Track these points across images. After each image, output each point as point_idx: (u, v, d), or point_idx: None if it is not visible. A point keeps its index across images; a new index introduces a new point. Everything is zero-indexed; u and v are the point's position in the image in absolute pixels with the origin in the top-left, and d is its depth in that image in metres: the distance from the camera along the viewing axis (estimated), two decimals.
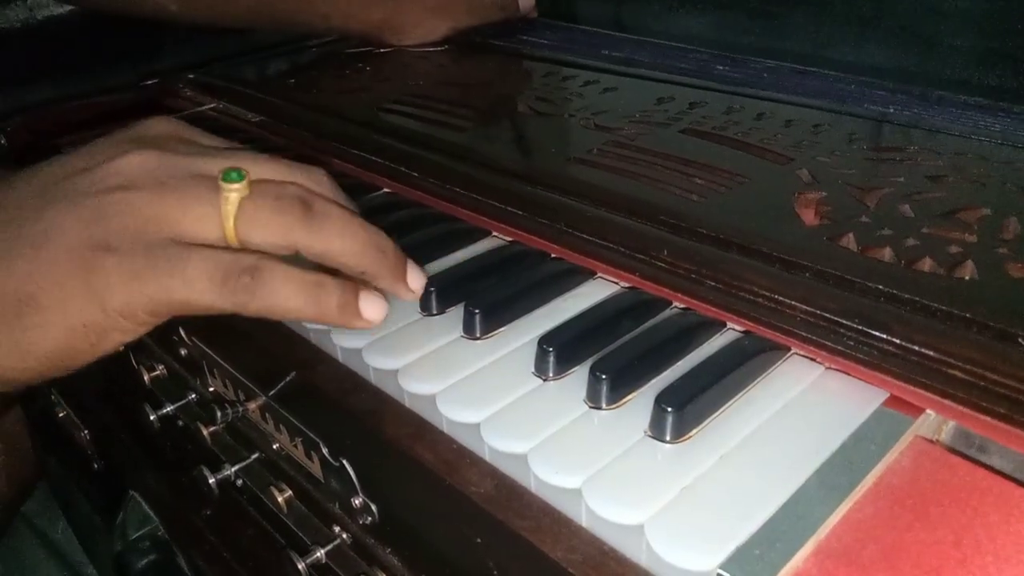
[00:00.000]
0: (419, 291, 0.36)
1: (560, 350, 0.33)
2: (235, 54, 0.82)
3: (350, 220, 0.33)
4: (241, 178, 0.31)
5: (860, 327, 0.32)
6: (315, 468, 0.41)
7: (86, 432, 0.69)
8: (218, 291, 0.31)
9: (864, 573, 0.24)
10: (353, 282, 0.33)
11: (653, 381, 0.33)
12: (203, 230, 0.32)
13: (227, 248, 0.32)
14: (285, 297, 0.32)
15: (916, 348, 0.30)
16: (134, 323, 0.31)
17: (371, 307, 0.34)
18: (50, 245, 0.31)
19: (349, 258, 0.33)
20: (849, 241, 0.36)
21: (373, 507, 0.37)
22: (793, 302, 0.34)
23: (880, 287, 0.33)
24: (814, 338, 0.33)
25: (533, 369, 0.34)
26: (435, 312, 0.39)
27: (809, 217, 0.39)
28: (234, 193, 0.31)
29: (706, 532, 0.26)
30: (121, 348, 0.33)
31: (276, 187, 0.33)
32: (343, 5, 0.72)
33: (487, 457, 0.31)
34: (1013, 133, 0.47)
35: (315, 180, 0.35)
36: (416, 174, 0.49)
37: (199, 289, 0.31)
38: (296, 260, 0.33)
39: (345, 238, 0.33)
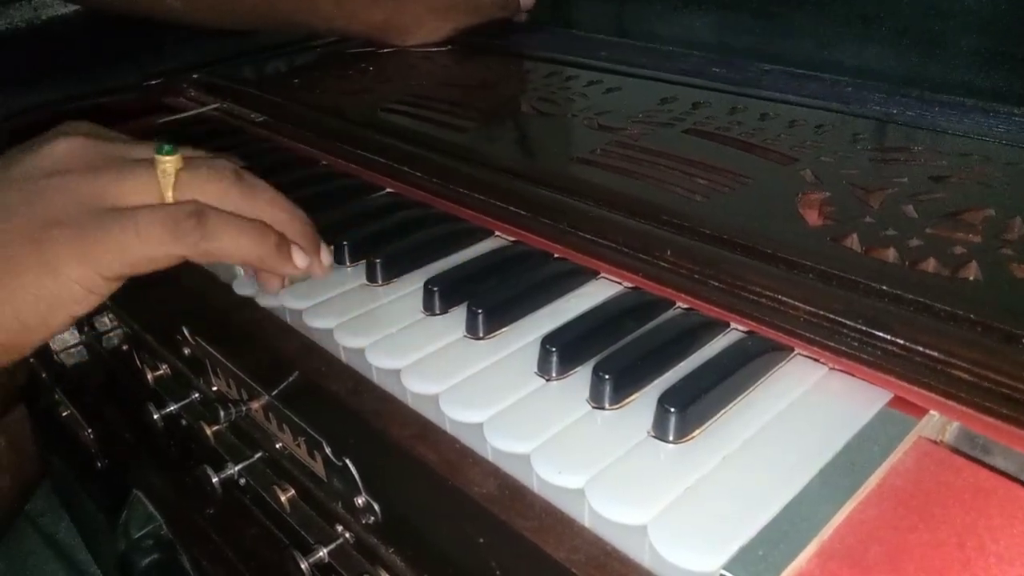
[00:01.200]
0: (328, 268, 0.40)
1: (563, 350, 0.33)
2: (238, 54, 0.82)
3: (276, 192, 0.37)
4: (174, 151, 0.34)
5: (864, 328, 0.32)
6: (318, 467, 0.41)
7: (90, 431, 0.69)
8: (170, 237, 0.33)
9: (867, 574, 0.24)
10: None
11: (656, 381, 0.33)
12: (143, 200, 0.34)
13: (168, 203, 0.34)
14: (231, 236, 0.34)
15: (920, 349, 0.30)
16: (88, 289, 0.33)
17: (299, 255, 0.38)
18: None
19: (278, 224, 0.37)
20: (853, 242, 0.36)
21: (376, 506, 0.37)
22: (796, 302, 0.34)
23: (884, 288, 0.33)
24: (817, 339, 0.32)
25: (536, 369, 0.34)
26: (438, 312, 0.39)
27: (813, 218, 0.39)
28: (169, 164, 0.34)
29: (709, 532, 0.26)
30: (74, 322, 0.34)
31: (207, 159, 0.36)
32: (346, 6, 0.72)
33: (490, 457, 0.31)
34: (1017, 134, 0.47)
35: (232, 160, 0.38)
36: (419, 174, 0.49)
37: (153, 239, 0.33)
38: None
39: (275, 206, 0.37)
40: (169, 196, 0.34)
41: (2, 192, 0.33)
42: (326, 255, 0.40)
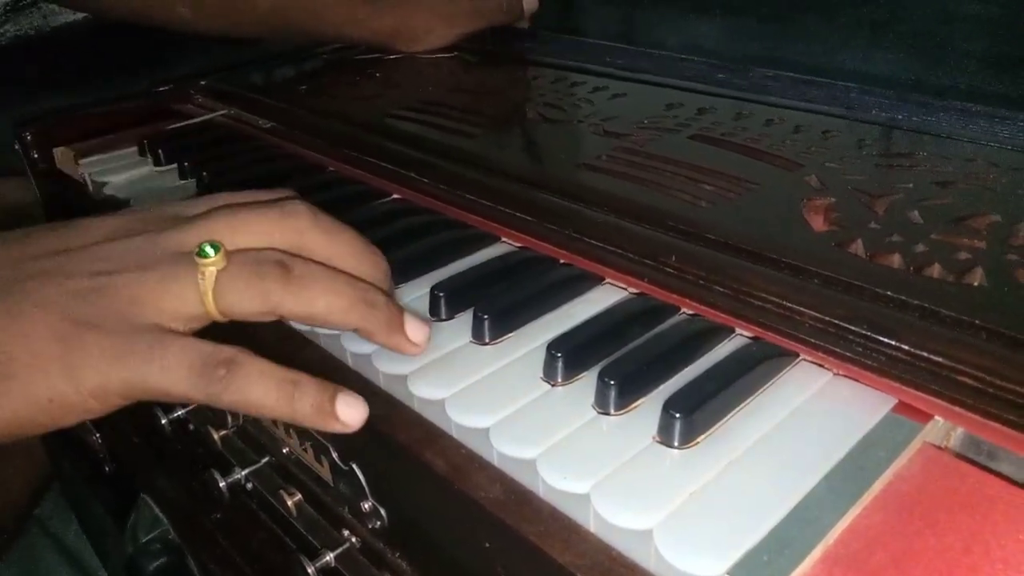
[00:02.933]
0: (423, 344, 0.35)
1: (568, 356, 0.34)
2: (246, 61, 0.83)
3: (333, 278, 0.33)
4: (216, 251, 0.32)
5: (869, 333, 0.32)
6: (325, 472, 0.41)
7: (98, 435, 0.69)
8: (193, 382, 0.31)
9: None
10: (332, 384, 0.33)
11: (661, 387, 0.33)
12: (184, 307, 0.32)
13: (207, 341, 0.32)
14: (258, 394, 0.31)
15: (925, 355, 0.30)
16: (102, 403, 0.31)
17: (349, 409, 0.32)
18: (28, 316, 0.31)
19: (336, 316, 0.33)
20: (858, 247, 0.36)
21: (382, 511, 0.37)
22: (802, 308, 0.34)
23: (889, 293, 0.33)
24: (823, 344, 0.33)
25: (542, 375, 0.34)
26: (444, 317, 0.39)
27: (818, 223, 0.39)
28: (210, 267, 0.32)
29: (715, 538, 0.26)
30: (77, 423, 0.33)
31: (253, 254, 0.33)
32: (354, 13, 0.73)
33: (496, 462, 0.31)
34: (1022, 139, 0.47)
35: (289, 217, 0.34)
36: (426, 180, 0.50)
37: (174, 378, 0.31)
38: None
39: (329, 297, 0.33)
40: (209, 302, 0.32)
41: (43, 282, 0.32)
42: (414, 329, 0.35)
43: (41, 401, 0.31)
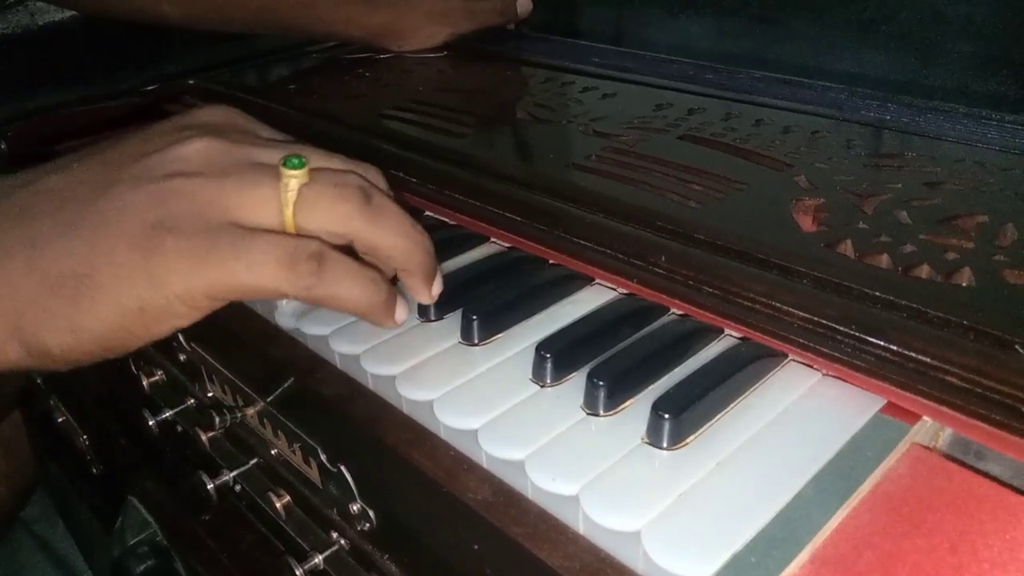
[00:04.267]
0: (436, 297, 0.37)
1: (557, 356, 0.33)
2: (236, 60, 0.83)
3: (405, 217, 0.34)
4: (302, 165, 0.32)
5: (857, 334, 0.32)
6: (313, 474, 0.41)
7: (85, 437, 0.69)
8: (284, 275, 0.31)
9: None
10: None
11: (650, 388, 0.33)
12: (262, 215, 0.32)
13: (288, 233, 0.32)
14: (347, 287, 0.32)
15: (913, 355, 0.30)
16: (191, 307, 0.31)
17: (402, 310, 0.35)
18: (110, 226, 0.31)
19: (399, 254, 0.34)
20: (847, 248, 0.37)
21: (371, 513, 0.37)
22: (790, 308, 0.34)
23: (877, 294, 0.33)
24: (811, 345, 0.33)
25: (531, 375, 0.34)
26: (433, 318, 0.39)
27: (807, 224, 0.39)
28: (294, 179, 0.32)
29: (703, 539, 0.26)
30: (175, 332, 0.33)
31: (336, 175, 0.33)
32: (344, 10, 0.73)
33: (484, 464, 0.31)
34: (1011, 140, 0.47)
35: (372, 176, 0.35)
36: (415, 180, 0.50)
37: (265, 273, 0.31)
38: None
39: (399, 235, 0.34)
40: (288, 214, 0.32)
41: (123, 188, 0.31)
42: (438, 285, 0.37)
43: (132, 309, 0.30)
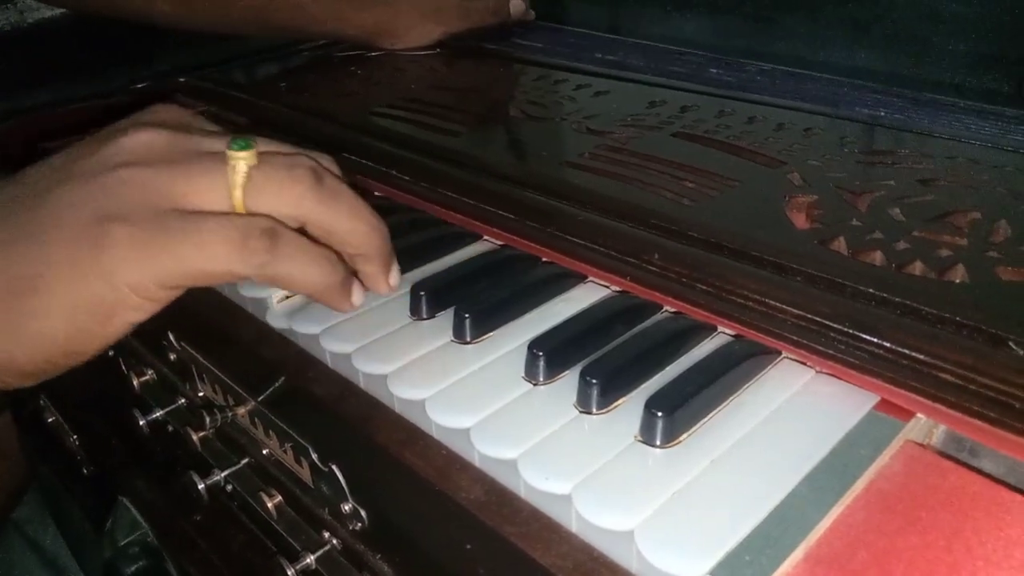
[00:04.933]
0: (395, 287, 0.37)
1: (550, 355, 0.33)
2: (227, 58, 0.82)
3: (359, 200, 0.34)
4: (249, 146, 0.31)
5: (851, 331, 0.32)
6: (305, 473, 0.40)
7: (75, 438, 0.68)
8: (236, 255, 0.30)
9: None
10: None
11: (643, 386, 0.33)
12: (211, 200, 0.31)
13: (238, 214, 0.31)
14: (301, 265, 0.31)
15: (907, 352, 0.30)
16: (145, 298, 0.31)
17: (358, 293, 0.35)
18: (55, 224, 0.30)
19: (355, 237, 0.33)
20: (840, 245, 0.36)
21: (363, 513, 0.37)
22: (784, 306, 0.34)
23: (871, 291, 0.33)
24: (805, 342, 0.32)
25: (523, 374, 0.34)
26: (425, 316, 0.38)
27: (800, 221, 0.39)
28: (242, 161, 0.31)
29: (696, 538, 0.26)
30: (132, 328, 0.32)
31: (286, 158, 0.33)
32: (336, 9, 0.72)
33: (477, 463, 0.31)
34: (1004, 137, 0.47)
35: (324, 162, 0.35)
36: (407, 178, 0.49)
37: (216, 254, 0.30)
38: None
39: (355, 217, 0.33)
40: (238, 197, 0.31)
41: (71, 185, 0.31)
42: (395, 275, 0.37)
43: (84, 307, 0.30)
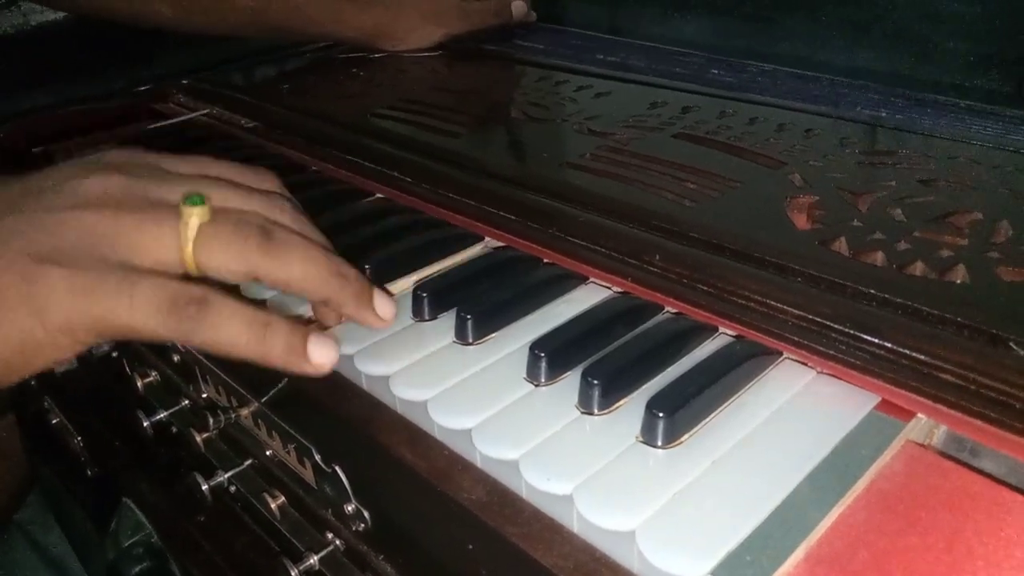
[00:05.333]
0: (389, 319, 0.36)
1: (552, 356, 0.33)
2: (228, 59, 0.82)
3: (310, 247, 0.33)
4: (202, 202, 0.31)
5: (852, 331, 0.32)
6: (308, 474, 0.40)
7: (79, 439, 0.69)
8: (163, 319, 0.30)
9: None
10: (305, 324, 0.33)
11: (645, 386, 0.33)
12: (159, 253, 0.31)
13: (178, 277, 0.31)
14: (229, 333, 0.31)
15: (908, 352, 0.30)
16: (72, 340, 0.31)
17: (320, 351, 0.32)
18: None
19: (309, 285, 0.33)
20: (841, 245, 0.36)
21: (366, 513, 0.37)
22: (785, 306, 0.34)
23: (872, 291, 0.33)
24: (806, 342, 0.32)
25: (525, 375, 0.34)
26: (427, 318, 0.39)
27: (801, 221, 0.39)
28: (194, 217, 0.31)
29: (697, 538, 0.26)
30: (53, 366, 0.32)
31: (237, 213, 0.33)
32: (336, 11, 0.72)
33: (479, 463, 0.31)
34: (1005, 137, 0.47)
35: (275, 204, 0.35)
36: (409, 179, 0.49)
37: (143, 315, 0.30)
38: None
39: (306, 265, 0.33)
40: (188, 252, 0.31)
41: (19, 218, 0.31)
42: (382, 304, 0.35)
43: (10, 341, 0.30)
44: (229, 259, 0.32)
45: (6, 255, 0.30)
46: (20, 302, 0.30)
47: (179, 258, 0.31)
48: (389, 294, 0.36)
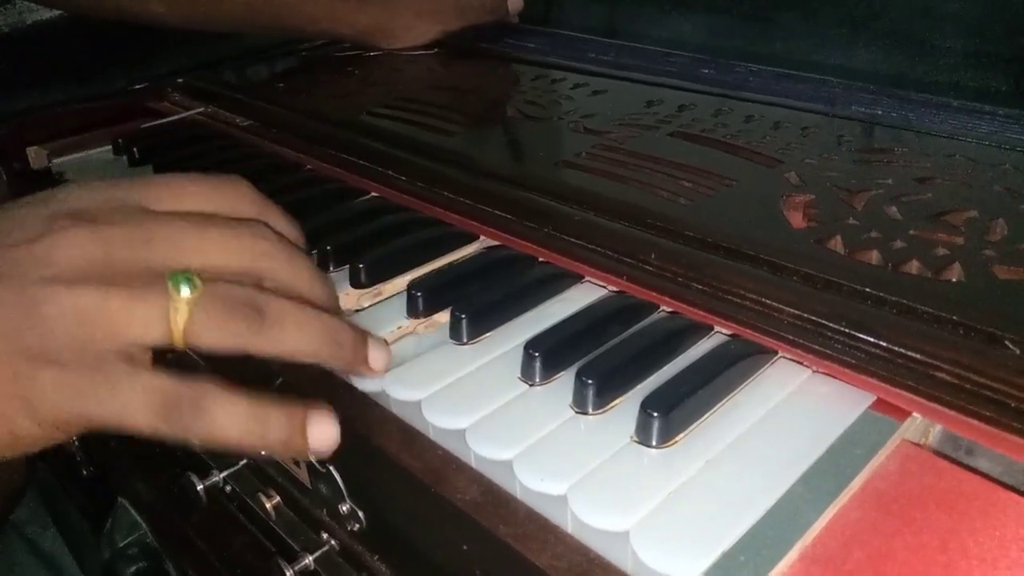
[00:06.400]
0: (382, 369, 0.35)
1: (546, 355, 0.33)
2: (225, 58, 0.82)
3: (303, 319, 0.32)
4: (193, 287, 0.30)
5: (847, 330, 0.32)
6: (302, 474, 0.40)
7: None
8: (158, 421, 0.29)
9: None
10: (302, 406, 0.32)
11: (640, 386, 0.33)
12: (148, 335, 0.30)
13: (171, 375, 0.30)
14: (226, 431, 0.30)
15: (903, 351, 0.30)
16: (64, 432, 0.30)
17: (319, 434, 0.32)
18: None
19: (303, 356, 0.32)
20: (836, 244, 0.36)
21: (360, 514, 0.37)
22: (780, 305, 0.34)
23: (867, 290, 0.33)
24: (801, 341, 0.32)
25: (519, 374, 0.34)
26: (422, 317, 0.38)
27: (797, 220, 0.39)
28: (183, 302, 0.30)
29: (691, 538, 0.25)
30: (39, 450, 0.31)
31: (226, 289, 0.31)
32: (332, 9, 0.72)
33: (473, 464, 0.31)
34: (1001, 135, 0.47)
35: (261, 248, 0.33)
36: (404, 178, 0.49)
37: (138, 417, 0.29)
38: None
39: (299, 339, 0.32)
40: (178, 336, 0.30)
41: None
42: (376, 358, 0.34)
43: (2, 435, 0.29)
44: (220, 339, 0.31)
45: None
46: (12, 400, 0.29)
47: (168, 337, 0.30)
48: (384, 343, 0.35)
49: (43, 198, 0.32)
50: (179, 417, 0.30)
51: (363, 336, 0.34)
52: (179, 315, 0.30)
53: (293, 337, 0.32)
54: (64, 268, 0.29)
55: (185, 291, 0.30)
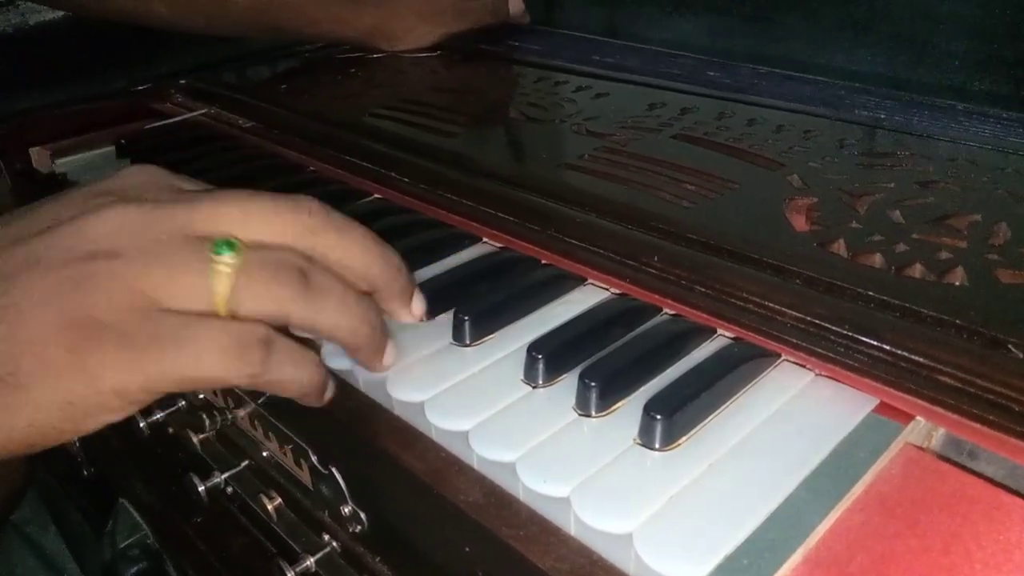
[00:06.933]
0: (391, 364, 0.35)
1: (549, 357, 0.33)
2: (227, 60, 0.82)
3: (345, 296, 0.32)
4: (235, 250, 0.29)
5: (850, 333, 0.32)
6: (304, 476, 0.40)
7: (76, 439, 0.69)
8: (232, 366, 0.29)
9: None
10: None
11: (643, 388, 0.33)
12: (191, 300, 0.29)
13: (231, 318, 0.30)
14: (291, 373, 0.30)
15: (906, 355, 0.30)
16: (126, 401, 0.29)
17: (331, 389, 0.34)
18: (28, 321, 0.28)
19: (338, 334, 0.32)
20: (839, 247, 0.36)
21: (362, 515, 0.37)
22: (783, 308, 0.34)
23: (870, 293, 0.33)
24: (804, 345, 0.32)
25: (522, 376, 0.34)
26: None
27: (800, 223, 0.39)
28: (227, 267, 0.29)
29: (695, 541, 0.25)
30: (103, 427, 0.30)
31: (271, 256, 0.31)
32: (334, 11, 0.72)
33: (476, 465, 0.31)
34: (1004, 138, 0.47)
35: (304, 221, 0.32)
36: (407, 180, 0.49)
37: (211, 363, 0.29)
38: None
39: (340, 315, 0.32)
40: (221, 303, 0.29)
41: (38, 273, 0.28)
42: (391, 349, 0.35)
43: (60, 407, 0.28)
44: (263, 306, 0.30)
45: (44, 322, 0.28)
46: (71, 370, 0.28)
47: (211, 305, 0.30)
48: (395, 345, 0.36)
49: (94, 181, 0.32)
50: (253, 361, 0.29)
51: (386, 333, 0.35)
52: (221, 281, 0.29)
53: (335, 312, 0.32)
54: (104, 243, 0.29)
55: (228, 257, 0.29)
